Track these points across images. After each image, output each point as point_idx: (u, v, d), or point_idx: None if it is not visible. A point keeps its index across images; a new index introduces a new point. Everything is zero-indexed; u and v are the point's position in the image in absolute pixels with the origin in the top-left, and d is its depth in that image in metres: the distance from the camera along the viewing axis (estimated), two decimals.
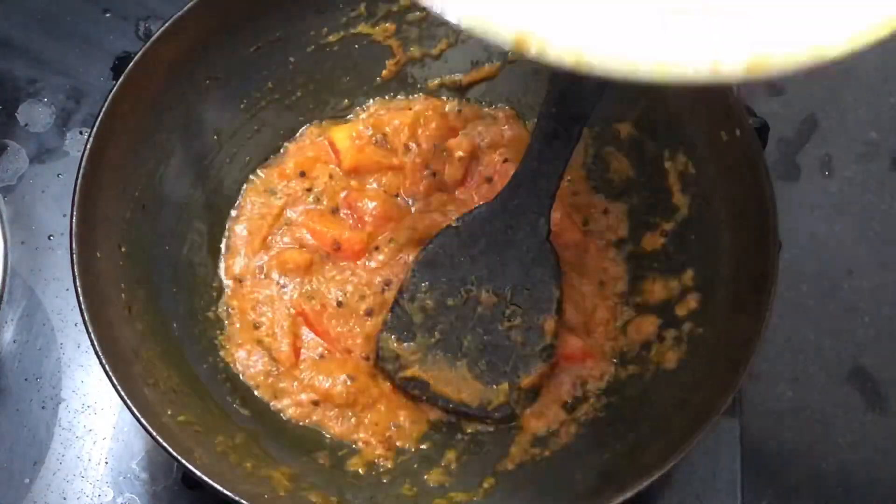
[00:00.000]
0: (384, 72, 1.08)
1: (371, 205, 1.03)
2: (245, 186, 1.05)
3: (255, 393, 0.98)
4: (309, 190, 1.05)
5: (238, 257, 1.03)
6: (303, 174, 1.05)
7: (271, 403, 0.97)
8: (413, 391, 0.97)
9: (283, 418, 0.97)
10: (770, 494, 1.04)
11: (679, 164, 0.97)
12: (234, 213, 1.05)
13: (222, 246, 1.03)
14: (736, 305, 0.90)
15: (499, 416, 0.96)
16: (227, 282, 1.02)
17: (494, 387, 0.96)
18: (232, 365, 0.99)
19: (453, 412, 0.97)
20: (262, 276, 1.02)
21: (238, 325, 1.00)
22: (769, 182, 0.87)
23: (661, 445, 0.85)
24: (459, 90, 1.09)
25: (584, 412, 0.96)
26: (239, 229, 1.04)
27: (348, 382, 0.97)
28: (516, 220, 0.95)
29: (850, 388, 1.08)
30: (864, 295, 1.12)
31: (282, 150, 1.07)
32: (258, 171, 1.06)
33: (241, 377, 0.98)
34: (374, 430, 0.96)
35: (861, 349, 1.10)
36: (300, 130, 1.08)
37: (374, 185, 1.05)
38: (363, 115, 1.08)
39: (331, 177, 1.05)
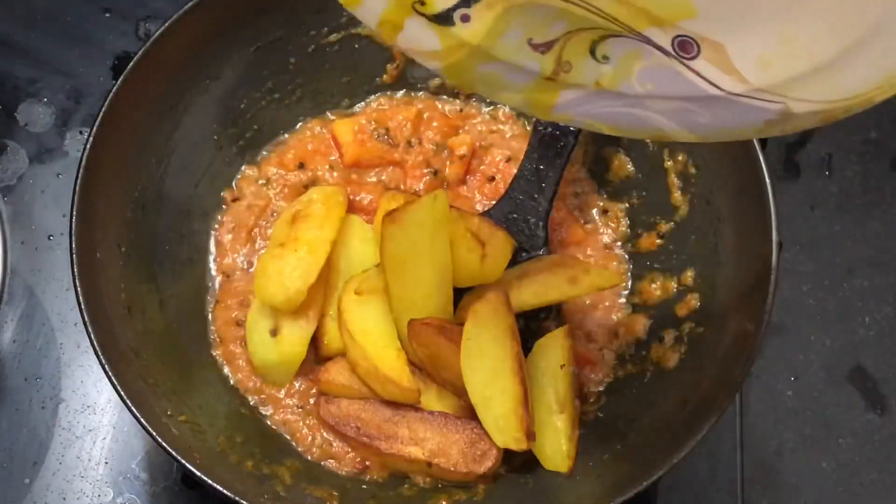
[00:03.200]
0: (384, 76, 1.08)
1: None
2: (238, 176, 1.05)
3: (247, 396, 0.97)
4: (306, 187, 1.04)
5: (226, 253, 1.02)
6: (302, 165, 1.05)
7: (260, 409, 0.97)
8: None
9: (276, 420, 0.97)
10: (770, 494, 1.04)
11: (679, 164, 0.97)
12: (226, 207, 1.04)
13: (211, 242, 1.03)
14: (736, 305, 0.90)
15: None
16: (217, 277, 1.02)
17: None
18: (223, 366, 0.99)
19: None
20: (250, 270, 1.02)
21: (224, 324, 1.00)
22: (769, 182, 0.87)
23: (661, 445, 0.85)
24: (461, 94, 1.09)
25: (584, 412, 0.96)
26: (228, 223, 1.03)
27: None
28: (515, 227, 0.96)
29: (850, 388, 1.08)
30: (864, 295, 1.12)
31: (281, 141, 1.07)
32: (257, 162, 1.06)
33: (230, 380, 0.98)
34: None
35: (861, 349, 1.10)
36: (301, 121, 1.07)
37: (374, 180, 1.05)
38: (367, 110, 1.08)
39: (331, 167, 1.05)
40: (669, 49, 0.66)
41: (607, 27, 0.66)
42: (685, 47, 0.65)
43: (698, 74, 0.65)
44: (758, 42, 0.65)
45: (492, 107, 1.08)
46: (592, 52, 0.67)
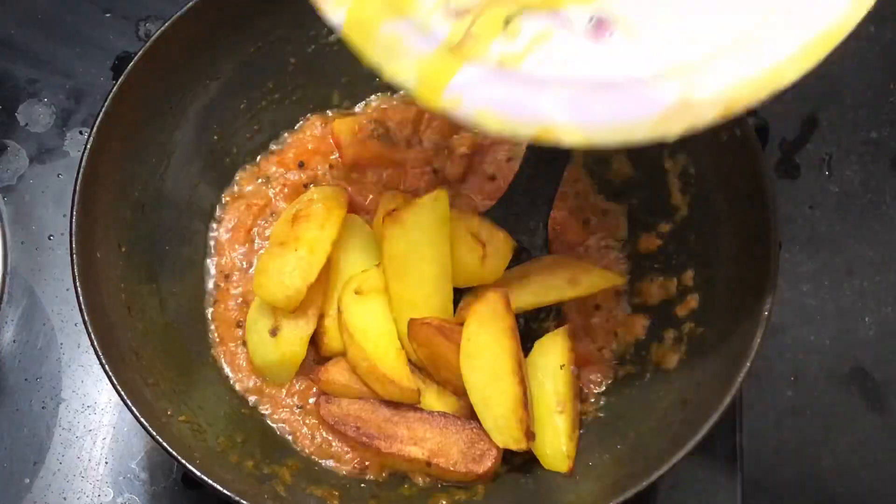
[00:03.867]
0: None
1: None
2: (238, 175, 1.05)
3: (247, 396, 0.97)
4: (306, 186, 1.04)
5: (225, 253, 1.03)
6: (302, 165, 1.05)
7: (260, 408, 0.97)
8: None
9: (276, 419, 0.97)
10: (770, 494, 1.04)
11: (679, 164, 0.97)
12: (226, 206, 1.04)
13: (211, 242, 1.03)
14: (736, 305, 0.90)
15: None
16: (217, 277, 1.02)
17: None
18: (223, 366, 0.99)
19: None
20: (250, 270, 1.02)
21: (224, 324, 1.00)
22: (769, 182, 0.88)
23: (661, 445, 0.85)
24: None
25: (584, 412, 0.96)
26: (228, 222, 1.03)
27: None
28: (515, 227, 0.96)
29: (850, 388, 1.08)
30: (864, 295, 1.12)
31: (281, 140, 1.07)
32: (257, 161, 1.06)
33: (230, 380, 0.98)
34: None
35: (861, 349, 1.10)
36: (302, 120, 1.07)
37: (374, 180, 1.05)
38: (367, 109, 1.08)
39: (331, 167, 1.05)
40: (583, 27, 0.66)
41: (525, 2, 0.66)
42: (601, 26, 0.66)
43: (605, 57, 0.66)
44: (669, 26, 0.66)
45: None
46: (505, 25, 0.67)
